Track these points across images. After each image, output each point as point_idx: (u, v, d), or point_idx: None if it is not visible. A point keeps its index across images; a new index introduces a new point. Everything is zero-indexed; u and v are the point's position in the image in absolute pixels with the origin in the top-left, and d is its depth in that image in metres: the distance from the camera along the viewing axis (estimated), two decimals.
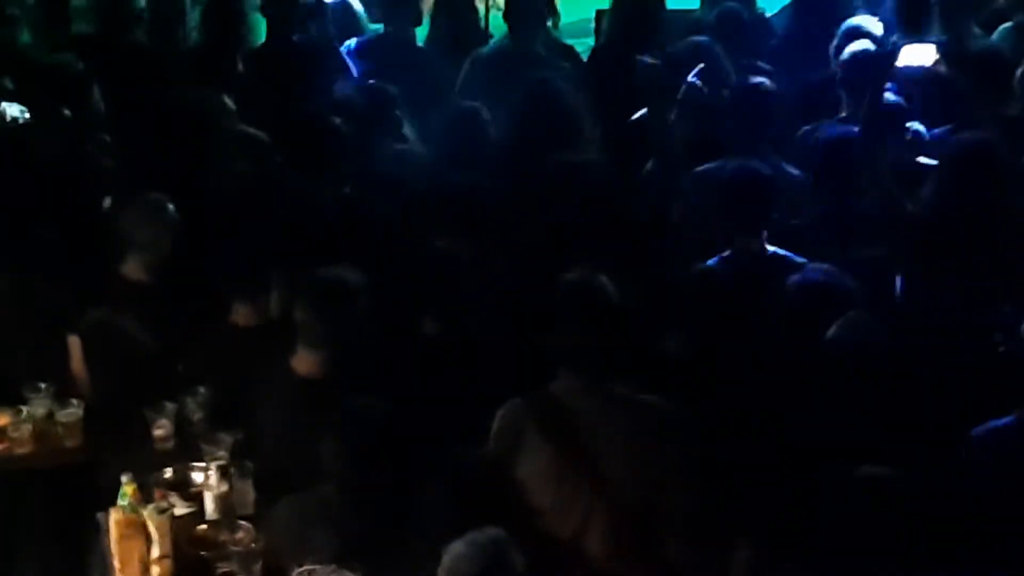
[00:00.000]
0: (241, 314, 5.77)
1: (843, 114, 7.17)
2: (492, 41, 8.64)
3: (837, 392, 4.96)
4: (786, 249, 6.09)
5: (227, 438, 5.30)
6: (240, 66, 7.93)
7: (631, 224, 6.24)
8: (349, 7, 8.77)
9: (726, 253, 6.06)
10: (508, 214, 6.23)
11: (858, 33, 7.78)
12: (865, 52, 7.29)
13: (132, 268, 6.03)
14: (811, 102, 7.49)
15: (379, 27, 8.80)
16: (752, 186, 6.15)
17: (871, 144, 6.28)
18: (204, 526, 5.08)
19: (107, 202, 6.42)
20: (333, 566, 4.46)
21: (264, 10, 8.31)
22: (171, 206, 6.03)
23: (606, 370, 4.94)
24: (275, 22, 8.30)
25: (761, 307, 5.54)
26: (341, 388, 5.06)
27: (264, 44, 8.29)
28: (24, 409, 5.76)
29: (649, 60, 7.22)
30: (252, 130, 6.86)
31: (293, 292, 5.47)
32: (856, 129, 6.50)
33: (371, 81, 7.60)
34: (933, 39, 7.75)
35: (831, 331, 5.08)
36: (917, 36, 7.80)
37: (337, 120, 6.73)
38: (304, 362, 5.32)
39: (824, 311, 5.21)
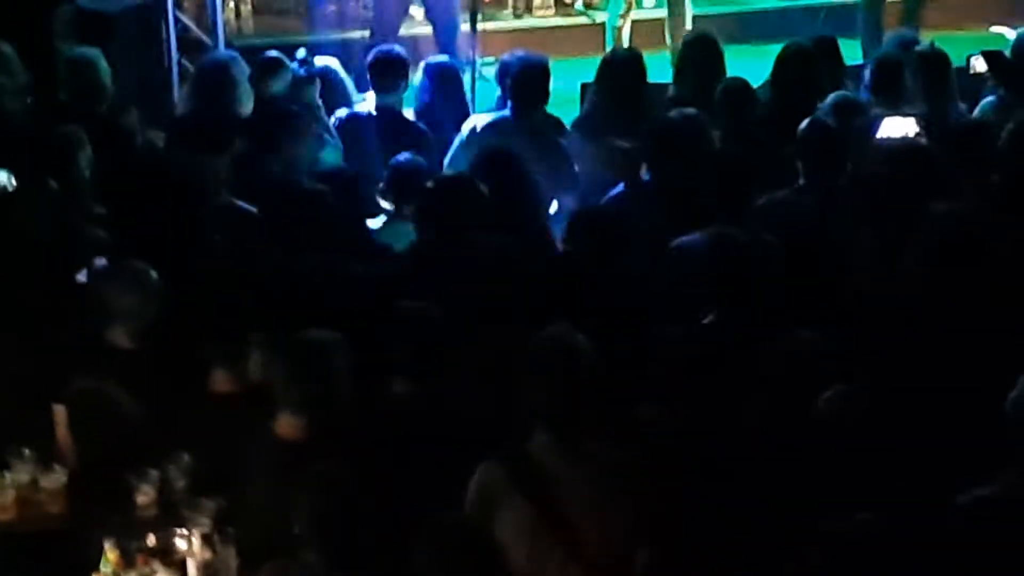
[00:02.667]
0: (220, 380, 5.78)
1: (800, 183, 7.20)
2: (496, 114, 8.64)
3: (818, 457, 4.97)
4: (769, 315, 6.10)
5: (210, 505, 5.29)
6: (230, 135, 7.96)
7: (609, 289, 6.26)
8: (334, 76, 8.82)
9: (707, 318, 6.08)
10: (484, 274, 6.24)
11: (845, 105, 7.83)
12: (822, 124, 7.34)
13: (117, 336, 6.04)
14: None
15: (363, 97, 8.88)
16: (732, 254, 6.18)
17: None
18: None
19: (91, 269, 6.43)
20: None
21: (254, 80, 8.37)
22: (154, 273, 6.05)
23: (580, 428, 4.95)
24: (264, 92, 8.35)
25: (742, 372, 5.55)
26: (323, 452, 5.05)
27: (253, 114, 8.32)
28: (7, 475, 5.74)
29: (621, 143, 7.27)
30: (235, 201, 6.91)
31: (271, 356, 5.48)
32: None
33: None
34: (914, 111, 7.81)
35: (819, 404, 5.09)
36: (894, 108, 7.86)
37: (320, 187, 6.79)
38: (286, 426, 5.32)
39: (808, 378, 5.24)
